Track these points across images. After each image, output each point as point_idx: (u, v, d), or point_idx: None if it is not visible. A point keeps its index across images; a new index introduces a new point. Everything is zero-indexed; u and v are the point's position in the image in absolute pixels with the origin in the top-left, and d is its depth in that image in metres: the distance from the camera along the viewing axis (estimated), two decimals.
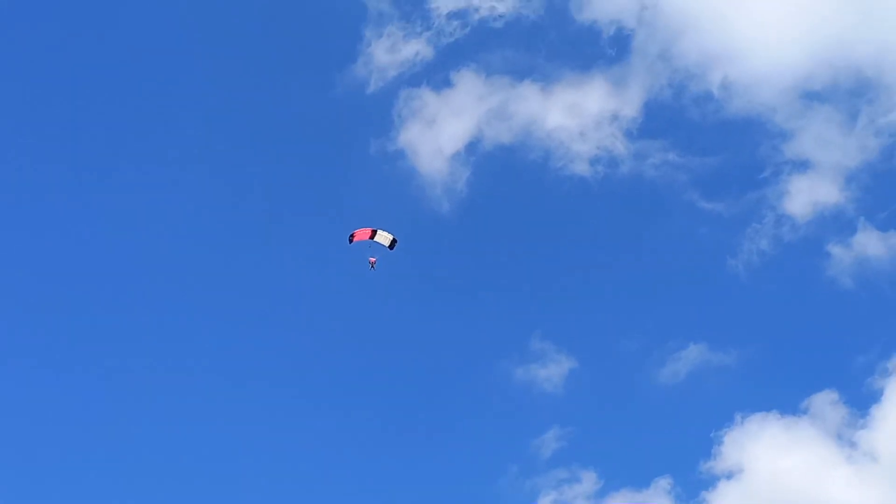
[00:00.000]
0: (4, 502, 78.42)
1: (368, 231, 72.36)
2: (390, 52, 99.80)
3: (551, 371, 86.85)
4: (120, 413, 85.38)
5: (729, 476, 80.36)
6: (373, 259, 74.49)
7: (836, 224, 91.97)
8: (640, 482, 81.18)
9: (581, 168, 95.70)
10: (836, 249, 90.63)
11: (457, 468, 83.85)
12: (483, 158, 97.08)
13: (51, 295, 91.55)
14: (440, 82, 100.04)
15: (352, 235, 72.46)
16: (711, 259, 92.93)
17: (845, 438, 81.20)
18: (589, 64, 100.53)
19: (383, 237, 72.38)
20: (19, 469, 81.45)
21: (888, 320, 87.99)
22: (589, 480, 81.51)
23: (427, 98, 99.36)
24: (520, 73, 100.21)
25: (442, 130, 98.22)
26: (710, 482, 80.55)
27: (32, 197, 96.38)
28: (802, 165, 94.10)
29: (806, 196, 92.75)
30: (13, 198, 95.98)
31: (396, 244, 72.50)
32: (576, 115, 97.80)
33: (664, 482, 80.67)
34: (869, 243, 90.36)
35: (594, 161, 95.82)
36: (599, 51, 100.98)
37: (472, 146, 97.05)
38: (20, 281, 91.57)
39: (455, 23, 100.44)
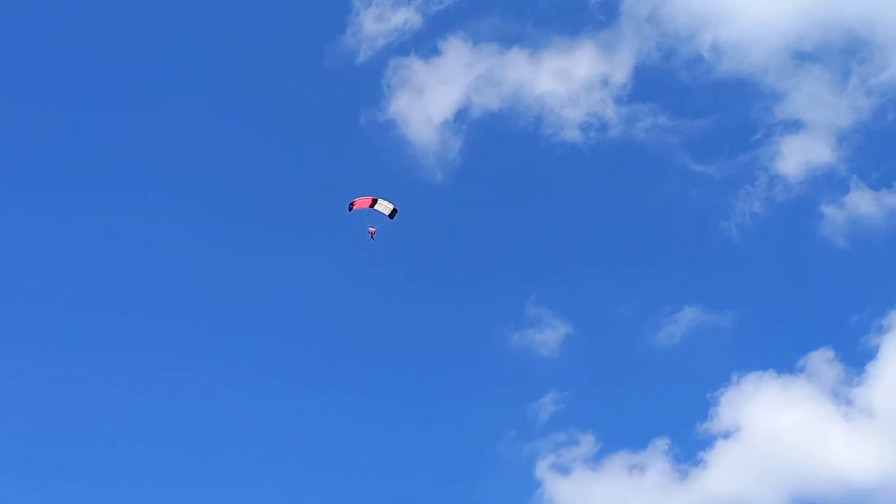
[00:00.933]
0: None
1: (368, 200, 71.20)
2: (379, 21, 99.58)
3: (547, 336, 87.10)
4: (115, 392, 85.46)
5: (726, 435, 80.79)
6: (372, 229, 73.27)
7: (828, 184, 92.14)
8: (638, 444, 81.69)
9: (572, 134, 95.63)
10: (829, 209, 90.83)
11: (455, 434, 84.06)
12: (474, 126, 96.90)
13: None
14: (428, 51, 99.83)
15: (351, 204, 71.37)
16: (704, 221, 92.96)
17: (842, 395, 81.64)
18: (577, 29, 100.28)
19: (383, 206, 71.22)
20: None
21: (882, 279, 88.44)
22: (587, 443, 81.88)
23: (416, 67, 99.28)
24: (508, 40, 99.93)
25: (432, 99, 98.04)
26: (708, 442, 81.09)
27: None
28: (794, 126, 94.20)
29: (798, 156, 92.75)
30: None
31: (397, 214, 71.51)
32: (565, 81, 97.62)
33: (662, 443, 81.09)
34: (862, 203, 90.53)
35: (585, 126, 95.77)
36: (588, 16, 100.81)
37: (463, 114, 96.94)
38: None
39: None
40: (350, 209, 71.63)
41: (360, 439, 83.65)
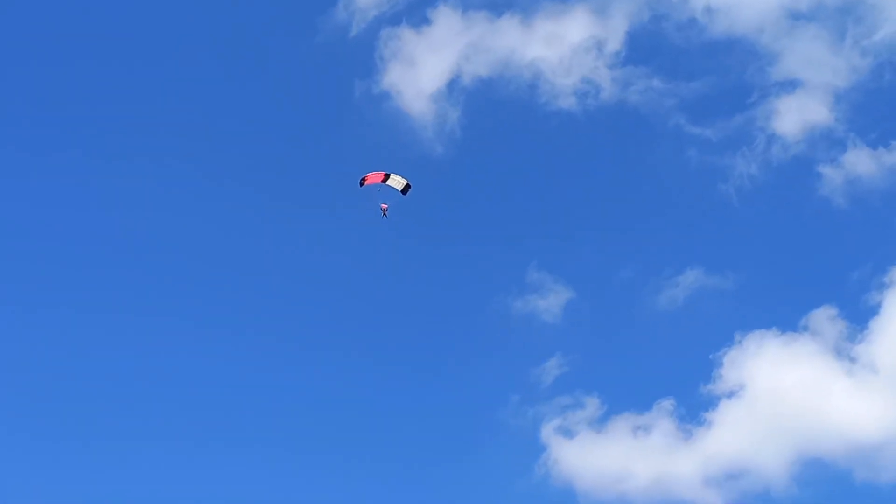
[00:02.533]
0: None
1: (381, 175, 69.88)
2: None
3: (550, 302, 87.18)
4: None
5: (730, 395, 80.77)
6: (384, 206, 72.26)
7: (826, 143, 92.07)
8: (643, 405, 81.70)
9: (567, 99, 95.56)
10: (827, 169, 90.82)
11: (459, 400, 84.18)
12: (468, 96, 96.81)
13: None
14: (420, 20, 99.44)
15: (363, 179, 70.03)
16: (703, 184, 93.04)
17: (845, 352, 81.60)
18: None
19: (396, 181, 69.83)
20: None
21: (882, 236, 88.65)
22: (592, 405, 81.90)
23: (407, 37, 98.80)
24: (499, 6, 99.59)
25: (426, 69, 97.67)
26: (712, 402, 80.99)
27: None
28: (791, 86, 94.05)
29: (795, 116, 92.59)
30: None
31: (410, 189, 70.12)
32: (558, 47, 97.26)
33: (667, 404, 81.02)
34: (859, 161, 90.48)
35: (580, 92, 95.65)
36: None
37: (458, 84, 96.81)
38: None
39: None
40: (361, 184, 70.34)
41: (366, 406, 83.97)
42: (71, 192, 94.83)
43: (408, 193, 70.43)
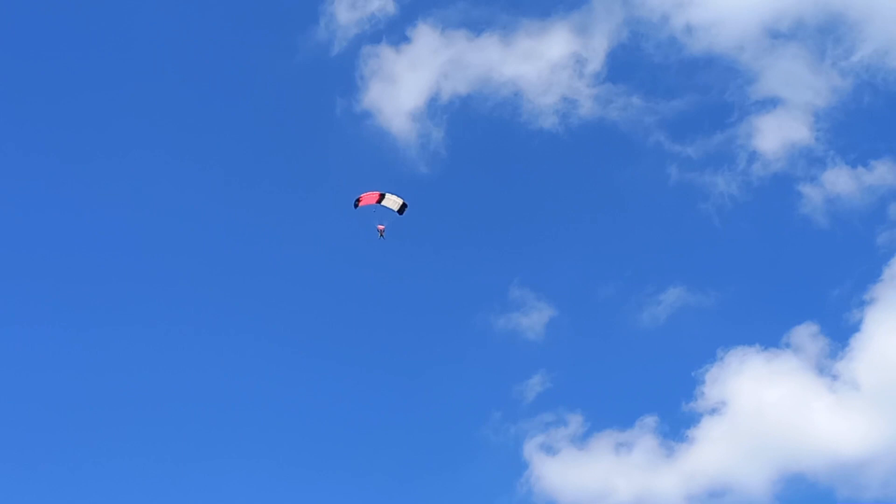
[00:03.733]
0: None
1: (376, 195, 68.75)
2: (352, 9, 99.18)
3: (532, 319, 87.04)
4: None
5: (713, 412, 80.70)
6: (381, 227, 71.05)
7: (806, 162, 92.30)
8: (625, 422, 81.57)
9: (548, 117, 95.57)
10: (807, 188, 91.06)
11: (441, 417, 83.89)
12: (449, 114, 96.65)
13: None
14: (399, 38, 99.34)
15: (357, 200, 68.84)
16: (684, 201, 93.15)
17: (826, 369, 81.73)
18: (549, 11, 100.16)
19: (392, 201, 68.69)
20: None
21: (861, 254, 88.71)
22: (575, 422, 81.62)
23: (388, 55, 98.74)
24: (479, 24, 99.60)
25: (405, 88, 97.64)
26: (694, 419, 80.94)
27: None
28: (771, 104, 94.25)
29: (776, 135, 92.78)
30: None
31: (407, 209, 69.07)
32: (539, 65, 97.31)
33: (649, 421, 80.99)
34: (839, 180, 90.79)
35: (560, 109, 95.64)
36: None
37: (438, 102, 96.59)
38: None
39: None
40: (356, 206, 69.20)
41: (348, 421, 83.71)
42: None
43: (404, 213, 69.39)
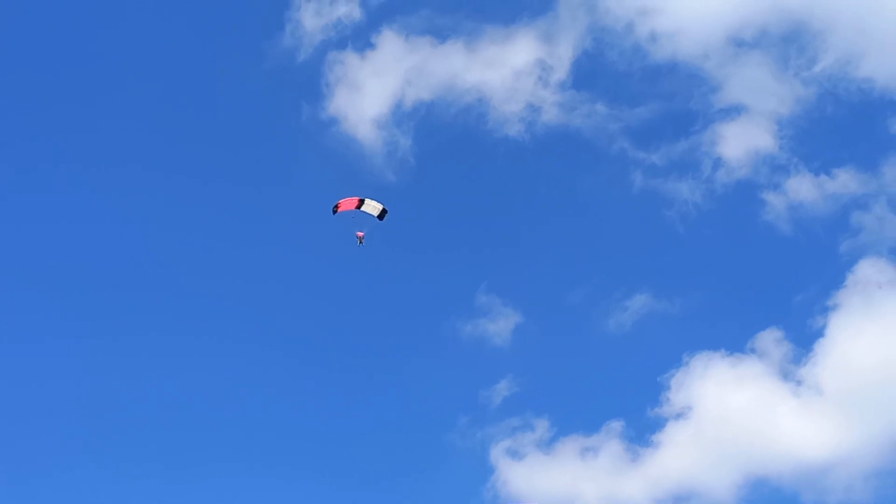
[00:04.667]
0: None
1: (355, 200, 67.37)
2: (317, 15, 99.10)
3: (500, 325, 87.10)
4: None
5: (678, 416, 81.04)
6: (360, 233, 69.66)
7: (770, 170, 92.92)
8: (592, 427, 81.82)
9: (513, 124, 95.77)
10: (770, 195, 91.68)
11: (408, 422, 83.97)
12: (413, 121, 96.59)
13: None
14: (364, 45, 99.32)
15: (336, 206, 67.41)
16: (649, 208, 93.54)
17: (791, 374, 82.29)
18: (514, 19, 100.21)
19: (371, 206, 67.28)
20: None
21: (824, 261, 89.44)
22: (541, 427, 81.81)
23: (352, 62, 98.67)
24: (444, 32, 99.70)
25: (370, 94, 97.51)
26: (660, 424, 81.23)
27: None
28: (735, 112, 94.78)
29: (739, 143, 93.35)
30: None
31: (387, 214, 67.64)
32: (503, 72, 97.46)
33: (615, 425, 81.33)
34: (802, 188, 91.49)
35: (526, 117, 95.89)
36: (525, 5, 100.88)
37: (402, 109, 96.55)
38: None
39: None
40: (334, 211, 67.91)
41: (314, 426, 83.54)
42: None
43: (384, 219, 68.18)
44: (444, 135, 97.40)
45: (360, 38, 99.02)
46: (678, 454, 79.30)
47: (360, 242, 70.37)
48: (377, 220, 68.15)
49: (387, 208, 67.90)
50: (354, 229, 70.13)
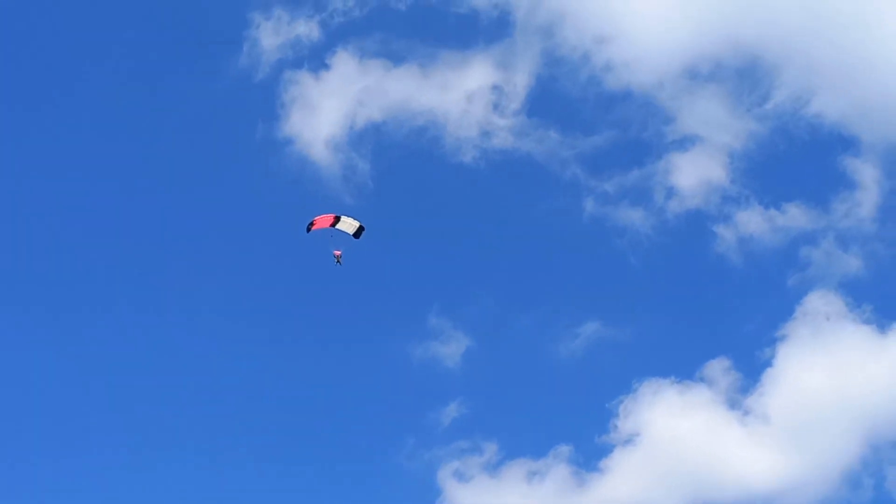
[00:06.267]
0: None
1: (330, 218, 65.45)
2: (275, 34, 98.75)
3: (451, 349, 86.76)
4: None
5: (626, 442, 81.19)
6: (338, 252, 67.84)
7: (721, 202, 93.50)
8: (539, 451, 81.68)
9: (468, 150, 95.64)
10: (721, 227, 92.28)
11: (354, 443, 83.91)
12: (367, 143, 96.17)
13: None
14: (319, 65, 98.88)
15: (311, 224, 65.32)
16: (600, 236, 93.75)
17: (738, 403, 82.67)
18: (469, 44, 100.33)
19: (348, 224, 65.33)
20: None
21: (773, 293, 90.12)
22: (490, 450, 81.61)
23: (307, 82, 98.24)
24: (398, 55, 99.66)
25: (324, 115, 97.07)
26: (607, 450, 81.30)
27: None
28: (688, 143, 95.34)
29: (692, 174, 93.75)
30: None
31: (364, 232, 65.74)
32: (458, 97, 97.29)
33: (563, 450, 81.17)
34: (752, 221, 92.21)
35: (479, 142, 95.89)
36: (481, 31, 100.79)
37: (354, 130, 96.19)
38: None
39: (336, 5, 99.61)
40: (308, 230, 65.71)
41: (260, 446, 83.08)
42: None
43: (361, 237, 66.40)
44: (399, 157, 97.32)
45: (315, 58, 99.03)
46: (625, 481, 79.47)
47: (338, 262, 68.78)
48: (353, 238, 66.34)
49: (364, 226, 66.08)
50: (330, 248, 68.58)
